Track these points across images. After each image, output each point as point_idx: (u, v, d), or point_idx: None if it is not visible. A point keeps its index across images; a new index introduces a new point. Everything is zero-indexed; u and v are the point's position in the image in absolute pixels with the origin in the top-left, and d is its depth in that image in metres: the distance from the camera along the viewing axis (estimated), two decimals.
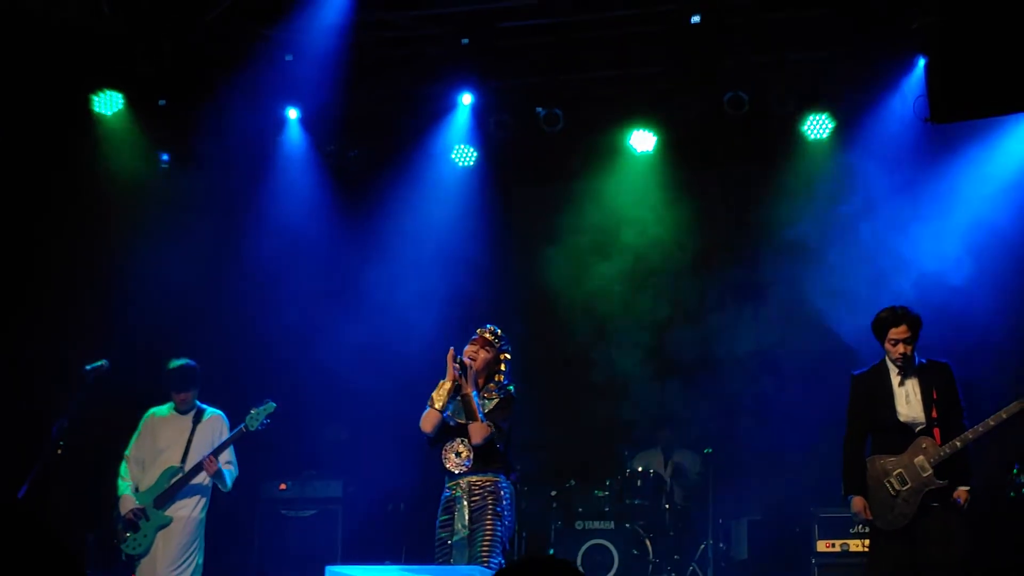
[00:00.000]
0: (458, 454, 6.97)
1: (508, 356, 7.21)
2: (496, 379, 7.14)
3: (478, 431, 6.88)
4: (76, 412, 7.90)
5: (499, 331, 7.20)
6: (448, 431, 7.03)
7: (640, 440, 11.13)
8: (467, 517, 6.85)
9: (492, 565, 6.70)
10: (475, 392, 6.94)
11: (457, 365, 6.99)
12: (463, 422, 6.95)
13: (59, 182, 10.61)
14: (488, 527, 6.80)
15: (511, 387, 7.15)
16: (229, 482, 8.65)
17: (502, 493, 6.89)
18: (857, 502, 7.41)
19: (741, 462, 10.61)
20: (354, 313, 11.43)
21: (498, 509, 6.84)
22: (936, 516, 7.21)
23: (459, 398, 6.97)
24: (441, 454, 7.01)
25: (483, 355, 7.09)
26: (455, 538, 6.86)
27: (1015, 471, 9.07)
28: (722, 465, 10.48)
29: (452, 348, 7.05)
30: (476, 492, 6.88)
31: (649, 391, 11.52)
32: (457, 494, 6.92)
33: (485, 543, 6.77)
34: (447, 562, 6.86)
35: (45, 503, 8.11)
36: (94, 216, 10.85)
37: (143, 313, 10.48)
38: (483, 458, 6.94)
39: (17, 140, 10.20)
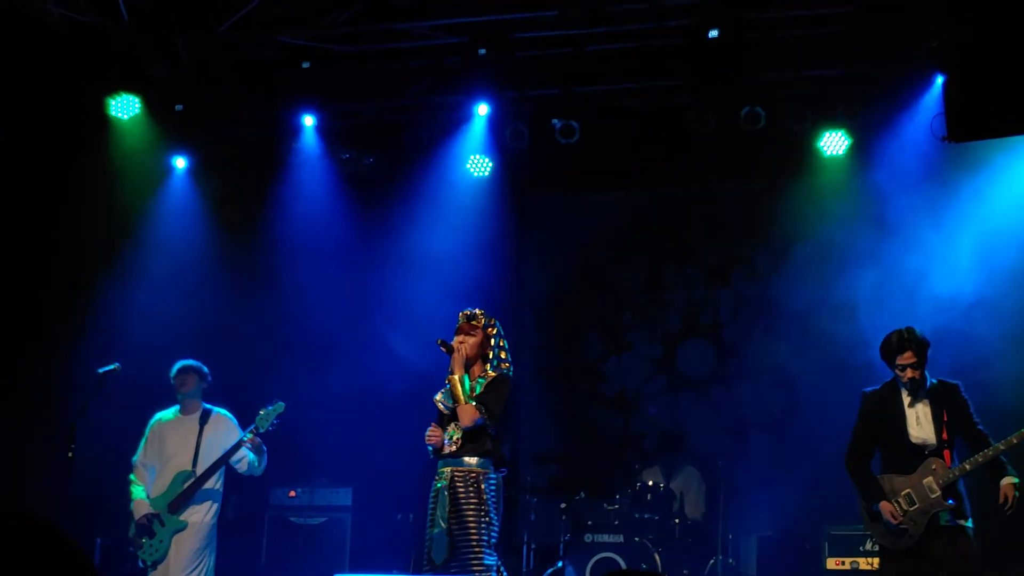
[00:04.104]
0: (450, 437, 6.92)
1: (494, 332, 7.11)
2: (490, 358, 7.07)
3: (466, 414, 6.82)
4: (88, 415, 7.93)
5: (478, 311, 7.11)
6: (443, 417, 7.01)
7: (651, 454, 11.10)
8: (447, 510, 6.76)
9: (478, 565, 6.66)
10: (464, 376, 6.90)
11: (443, 349, 6.99)
12: (454, 406, 6.91)
13: (74, 185, 10.64)
14: (470, 523, 6.71)
15: (507, 368, 7.07)
16: (262, 465, 8.72)
17: (484, 487, 6.78)
18: (886, 506, 7.30)
19: (752, 477, 10.58)
20: (367, 320, 11.45)
21: (479, 504, 6.73)
22: (947, 538, 7.16)
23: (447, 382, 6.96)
24: None
25: (470, 340, 7.04)
26: (435, 531, 6.79)
27: None
28: (733, 480, 10.44)
29: (439, 339, 7.04)
30: (459, 484, 6.78)
31: (661, 404, 11.51)
32: (440, 485, 6.84)
33: (467, 540, 6.69)
34: (428, 554, 6.80)
35: (55, 506, 8.13)
36: (109, 219, 10.89)
37: (157, 317, 10.51)
38: (472, 441, 6.86)
39: (33, 143, 10.24)
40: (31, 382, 10.23)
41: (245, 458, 8.63)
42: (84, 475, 8.23)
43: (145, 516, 8.53)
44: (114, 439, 9.20)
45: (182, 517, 8.53)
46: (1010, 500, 7.10)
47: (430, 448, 7.01)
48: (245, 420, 8.67)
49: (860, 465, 7.53)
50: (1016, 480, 7.12)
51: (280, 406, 8.54)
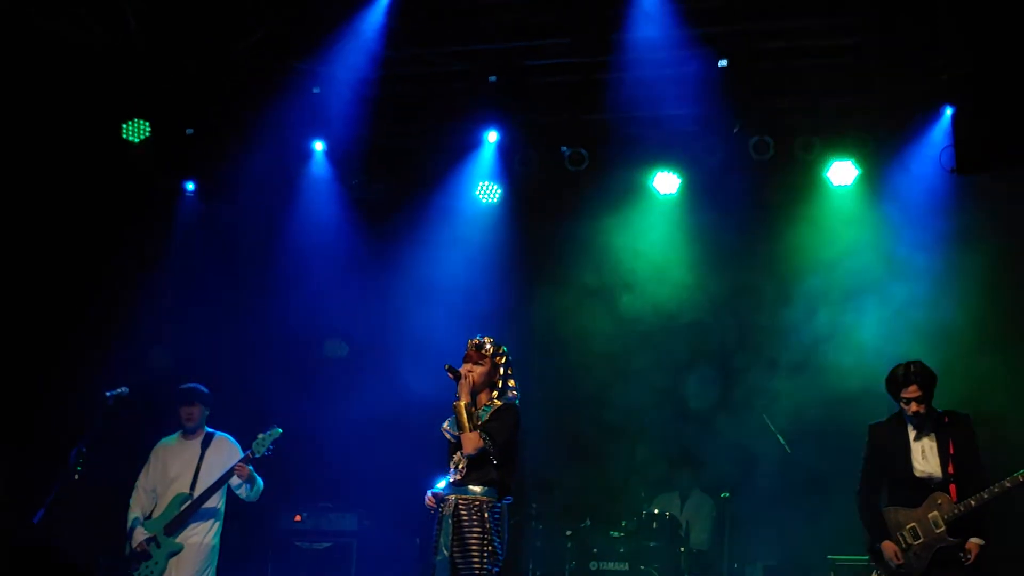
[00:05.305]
0: (455, 465, 6.90)
1: (503, 360, 7.07)
2: (498, 387, 7.04)
3: (469, 441, 6.80)
4: (95, 437, 7.94)
5: (487, 340, 7.07)
6: (450, 446, 7.00)
7: (657, 482, 11.07)
8: (451, 537, 6.73)
9: None
10: (470, 403, 6.88)
11: (451, 375, 6.98)
12: (459, 434, 6.90)
13: (85, 208, 10.66)
14: (473, 551, 6.67)
15: (514, 397, 7.03)
16: (256, 492, 8.73)
17: (487, 515, 6.74)
18: (888, 546, 7.30)
19: (758, 507, 10.54)
20: (374, 345, 11.45)
21: (482, 533, 6.69)
22: (952, 571, 7.15)
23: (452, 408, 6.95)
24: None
25: (478, 369, 7.00)
26: (438, 558, 6.77)
27: None
28: (739, 509, 10.41)
29: (446, 365, 7.03)
30: (463, 512, 6.75)
31: (667, 433, 11.47)
32: (444, 514, 6.82)
33: (469, 568, 6.65)
34: None
35: (60, 527, 8.12)
36: (118, 242, 10.91)
37: (167, 341, 10.52)
38: (477, 470, 6.84)
39: (45, 166, 10.27)
40: (39, 403, 10.24)
41: (243, 485, 8.64)
42: (90, 496, 8.24)
43: (141, 543, 8.55)
44: (121, 461, 9.20)
45: (178, 539, 8.55)
46: (972, 557, 7.13)
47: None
48: (248, 446, 8.68)
49: (869, 501, 7.53)
50: (983, 542, 7.14)
51: (276, 431, 8.57)
